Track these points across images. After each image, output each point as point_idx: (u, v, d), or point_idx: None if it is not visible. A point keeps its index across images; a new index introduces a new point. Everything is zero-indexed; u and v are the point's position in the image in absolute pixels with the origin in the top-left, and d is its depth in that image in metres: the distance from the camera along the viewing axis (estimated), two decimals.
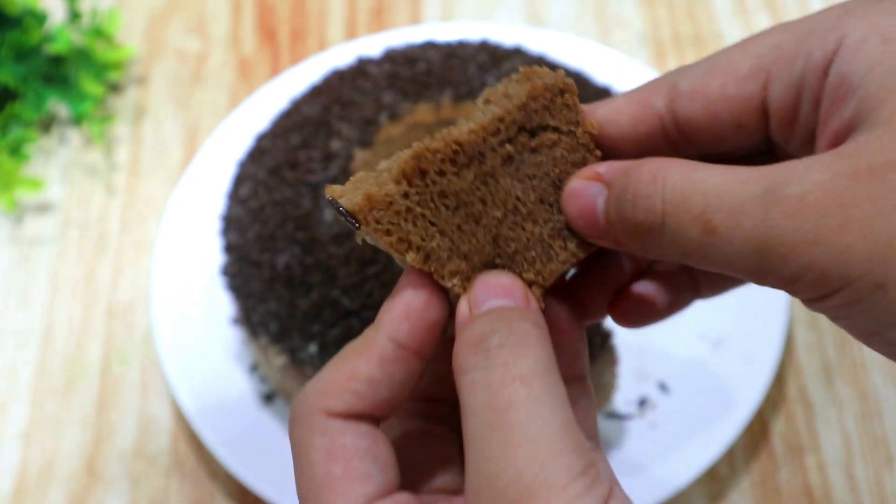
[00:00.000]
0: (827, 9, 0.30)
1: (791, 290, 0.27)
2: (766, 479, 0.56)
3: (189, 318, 0.60)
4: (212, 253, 0.61)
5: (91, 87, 0.71)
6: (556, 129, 0.32)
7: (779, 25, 0.31)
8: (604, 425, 0.56)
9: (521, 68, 0.32)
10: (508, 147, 0.31)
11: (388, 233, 0.29)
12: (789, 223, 0.26)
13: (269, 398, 0.58)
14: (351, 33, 0.77)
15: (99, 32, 0.73)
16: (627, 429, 0.56)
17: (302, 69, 0.70)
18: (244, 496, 0.57)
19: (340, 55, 0.69)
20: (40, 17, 0.71)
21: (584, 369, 0.33)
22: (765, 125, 0.31)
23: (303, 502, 0.29)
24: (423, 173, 0.29)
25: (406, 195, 0.29)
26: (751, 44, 0.31)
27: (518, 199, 0.31)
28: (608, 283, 0.35)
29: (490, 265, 0.31)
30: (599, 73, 0.66)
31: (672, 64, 0.74)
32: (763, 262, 0.26)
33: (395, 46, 0.64)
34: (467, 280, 0.30)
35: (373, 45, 0.69)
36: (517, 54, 0.63)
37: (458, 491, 0.32)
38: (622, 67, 0.68)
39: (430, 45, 0.64)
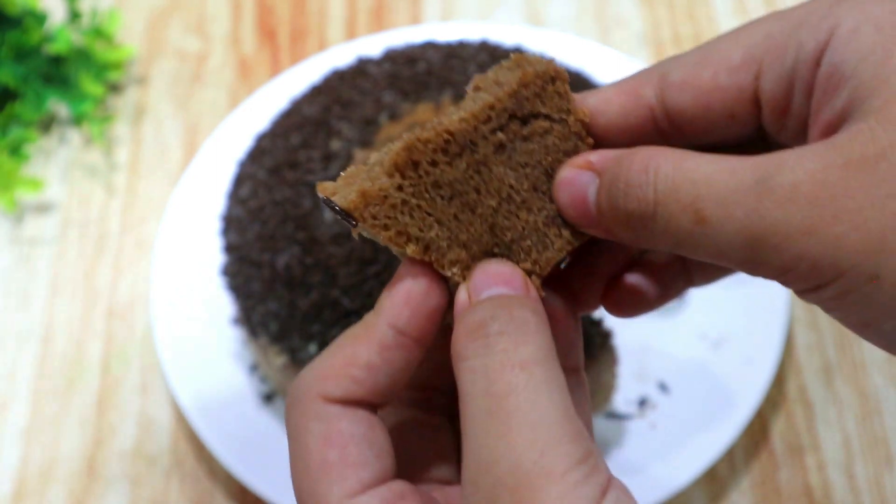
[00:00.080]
0: None
1: (783, 281, 0.27)
2: (766, 479, 0.56)
3: (189, 318, 0.60)
4: (212, 253, 0.61)
5: (91, 87, 0.71)
6: (547, 117, 0.31)
7: (770, 15, 0.30)
8: (604, 425, 0.56)
9: (511, 55, 0.32)
10: (500, 135, 0.30)
11: (386, 227, 0.29)
12: (781, 213, 0.26)
13: (269, 398, 0.58)
14: (351, 33, 0.77)
15: (99, 32, 0.73)
16: (627, 429, 0.56)
17: (302, 69, 0.70)
18: (244, 496, 0.57)
19: (340, 55, 0.69)
20: (40, 17, 0.71)
21: (578, 361, 0.33)
22: (757, 115, 0.30)
23: (297, 487, 0.29)
24: (415, 164, 0.29)
25: (400, 188, 0.29)
26: (742, 33, 0.30)
27: (511, 187, 0.31)
28: (601, 272, 0.34)
29: (489, 254, 0.30)
30: (599, 73, 0.66)
31: None
32: (755, 252, 0.26)
33: (395, 46, 0.64)
34: (467, 269, 0.30)
35: (373, 45, 0.69)
36: None
37: (452, 482, 0.32)
38: (622, 67, 0.68)
39: (430, 45, 0.64)
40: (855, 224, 0.25)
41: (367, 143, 0.58)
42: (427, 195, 0.29)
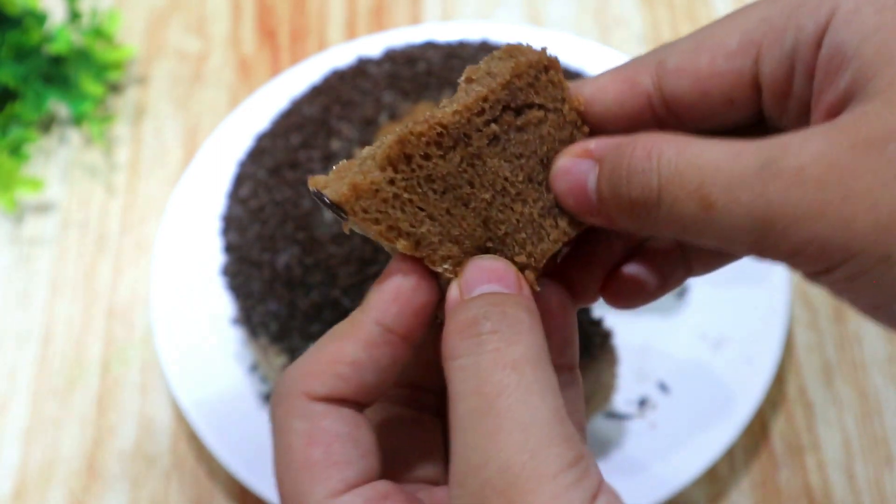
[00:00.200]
0: None
1: (792, 264, 0.27)
2: (766, 479, 0.56)
3: (189, 318, 0.60)
4: (212, 253, 0.61)
5: (91, 87, 0.71)
6: (541, 107, 0.31)
7: None
8: (604, 425, 0.56)
9: (503, 45, 0.31)
10: (494, 127, 0.30)
11: (377, 221, 0.28)
12: (788, 196, 0.25)
13: (269, 398, 0.58)
14: (351, 33, 0.77)
15: (99, 32, 0.73)
16: (627, 429, 0.56)
17: (302, 69, 0.70)
18: (244, 496, 0.57)
19: (340, 55, 0.69)
20: (40, 17, 0.71)
21: (574, 358, 0.32)
22: (756, 100, 0.30)
23: (281, 486, 0.28)
24: (408, 158, 0.29)
25: (392, 181, 0.28)
26: (738, 18, 0.30)
27: (506, 179, 0.30)
28: (599, 263, 0.34)
29: (482, 249, 0.30)
30: None
31: None
32: (763, 236, 0.26)
33: (395, 46, 0.64)
34: (459, 265, 0.30)
35: (373, 45, 0.69)
36: None
37: (440, 482, 0.31)
38: None
39: (430, 45, 0.64)
40: (865, 205, 0.25)
41: (367, 143, 0.58)
42: (419, 189, 0.29)
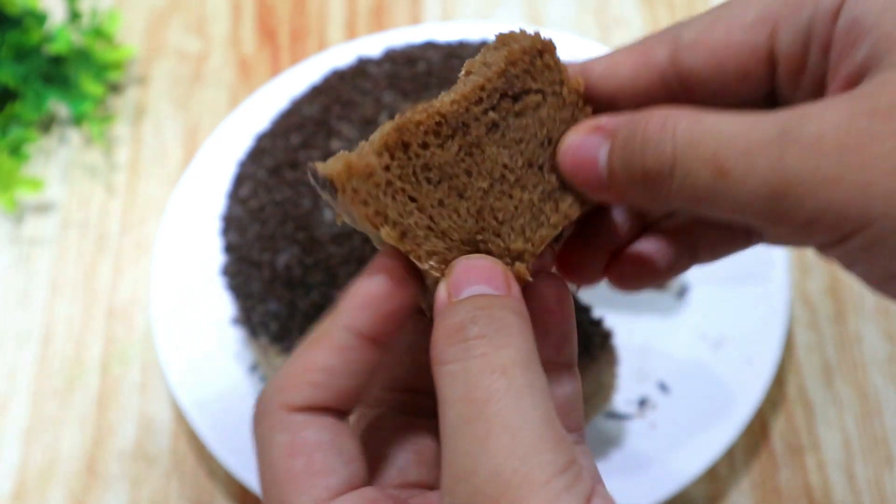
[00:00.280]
0: None
1: (807, 234, 0.26)
2: (766, 479, 0.56)
3: (189, 318, 0.60)
4: (212, 253, 0.61)
5: (91, 87, 0.71)
6: (539, 92, 0.31)
7: None
8: (604, 425, 0.56)
9: (497, 34, 0.31)
10: (492, 114, 0.30)
11: (365, 203, 0.28)
12: (806, 163, 0.25)
13: None
14: (351, 33, 0.77)
15: (99, 32, 0.73)
16: (627, 429, 0.56)
17: (302, 69, 0.70)
18: (244, 496, 0.57)
19: (340, 55, 0.69)
20: (40, 17, 0.71)
21: (572, 356, 0.32)
22: (771, 74, 0.30)
23: (266, 501, 0.28)
24: (405, 146, 0.29)
25: (387, 168, 0.28)
26: None
27: (505, 166, 0.30)
28: (602, 244, 0.34)
29: (471, 242, 0.30)
30: None
31: None
32: (778, 204, 0.26)
33: (395, 46, 0.64)
34: (444, 262, 0.29)
35: (373, 45, 0.69)
36: None
37: (434, 486, 0.31)
38: None
39: (430, 45, 0.64)
40: (884, 171, 0.24)
41: None
42: (414, 178, 0.29)
